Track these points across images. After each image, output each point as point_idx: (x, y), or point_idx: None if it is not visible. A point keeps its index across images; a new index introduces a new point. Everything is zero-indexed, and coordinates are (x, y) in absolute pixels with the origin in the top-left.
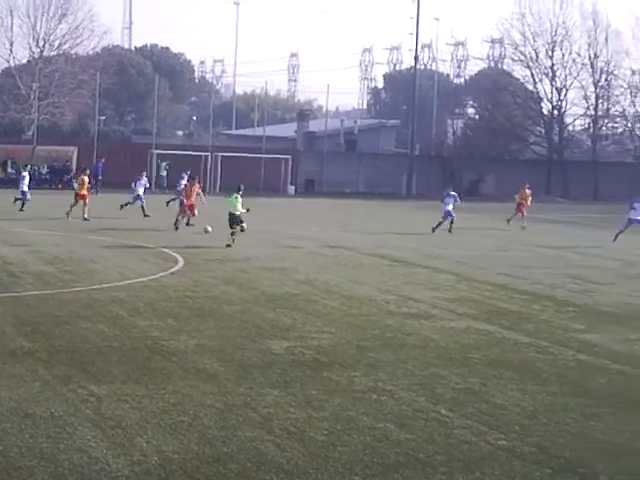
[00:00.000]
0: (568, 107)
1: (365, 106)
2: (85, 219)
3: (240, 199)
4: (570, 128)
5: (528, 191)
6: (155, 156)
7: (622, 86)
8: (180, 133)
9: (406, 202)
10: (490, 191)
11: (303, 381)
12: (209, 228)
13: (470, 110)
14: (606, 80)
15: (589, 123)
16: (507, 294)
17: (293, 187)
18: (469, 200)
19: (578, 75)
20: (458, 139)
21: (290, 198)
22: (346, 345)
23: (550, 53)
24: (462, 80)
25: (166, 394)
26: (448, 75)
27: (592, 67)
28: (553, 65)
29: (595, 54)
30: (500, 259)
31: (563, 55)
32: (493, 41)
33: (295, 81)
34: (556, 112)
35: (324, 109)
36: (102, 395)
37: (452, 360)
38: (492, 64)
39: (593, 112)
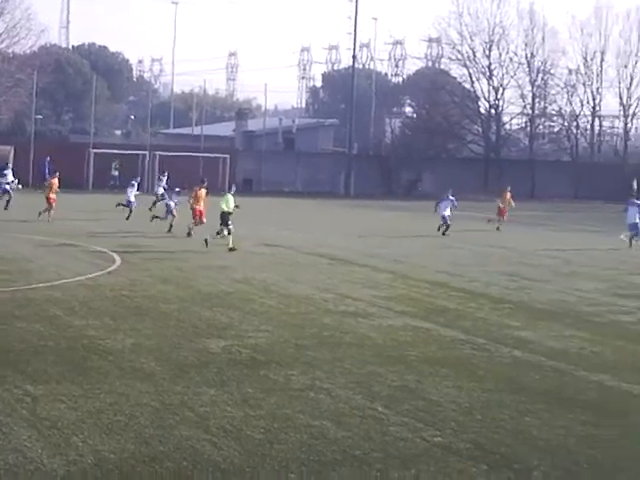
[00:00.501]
0: (505, 106)
1: (304, 105)
2: (48, 221)
3: (232, 198)
4: (507, 127)
5: (509, 194)
6: (93, 155)
7: (558, 85)
8: (118, 132)
9: (344, 201)
10: (428, 190)
11: (240, 380)
12: (225, 232)
13: (408, 109)
14: (543, 79)
15: (526, 122)
16: (445, 292)
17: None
18: (407, 199)
19: (515, 74)
20: (396, 138)
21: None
22: (283, 344)
23: (487, 52)
24: (400, 79)
25: (102, 394)
26: (386, 74)
27: (529, 66)
28: (490, 64)
29: (532, 53)
30: (438, 257)
31: (500, 54)
32: (431, 40)
33: (234, 80)
34: (493, 111)
35: (263, 108)
36: (38, 395)
37: (389, 358)
38: (430, 63)
39: (530, 111)
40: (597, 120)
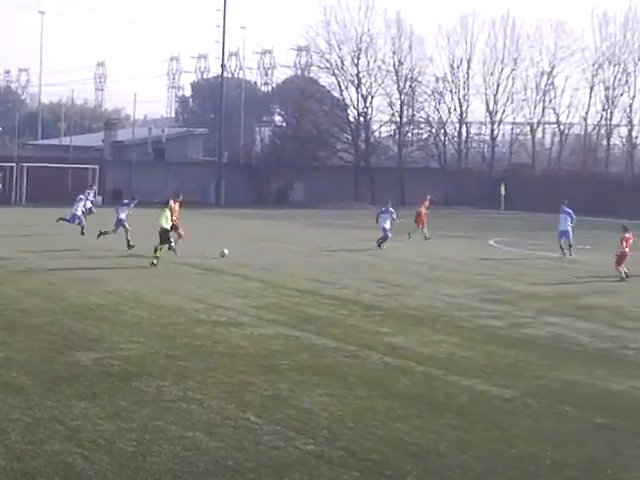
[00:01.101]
0: (374, 114)
1: (173, 115)
2: None
3: (168, 213)
4: (376, 134)
5: (427, 202)
6: None
7: (426, 92)
8: None
9: (215, 210)
10: (299, 198)
11: (112, 392)
12: (226, 251)
13: (278, 118)
14: (410, 87)
15: (394, 129)
16: (315, 300)
17: (100, 197)
18: (278, 208)
19: (383, 82)
20: (266, 147)
21: (97, 208)
22: (155, 355)
23: (356, 61)
24: (269, 88)
25: None
26: (256, 83)
27: (397, 74)
28: (359, 72)
29: (399, 61)
30: (308, 266)
31: (368, 62)
32: (299, 49)
33: (102, 90)
34: (362, 119)
35: (132, 118)
36: None
37: (261, 367)
38: (299, 72)
39: (398, 118)
40: (464, 127)
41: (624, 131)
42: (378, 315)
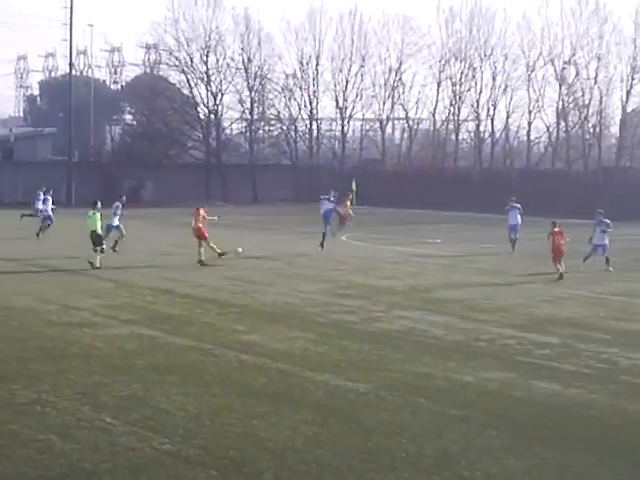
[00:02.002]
0: (225, 111)
1: (22, 114)
2: None
3: (99, 215)
4: (227, 132)
5: (349, 202)
6: None
7: (276, 89)
8: None
9: (66, 210)
10: (150, 197)
11: None
12: (239, 250)
13: (128, 116)
14: (260, 84)
15: (245, 126)
16: (169, 298)
17: None
18: (130, 206)
19: (233, 79)
20: (117, 145)
21: None
22: (6, 357)
23: (205, 58)
24: (119, 86)
25: None
26: (105, 81)
27: (246, 71)
28: (208, 70)
29: (249, 58)
30: (162, 264)
31: (217, 60)
32: (148, 47)
33: None
34: (213, 116)
35: None
36: None
37: (116, 367)
38: (148, 70)
39: (249, 116)
40: (315, 123)
41: (472, 126)
42: (233, 313)
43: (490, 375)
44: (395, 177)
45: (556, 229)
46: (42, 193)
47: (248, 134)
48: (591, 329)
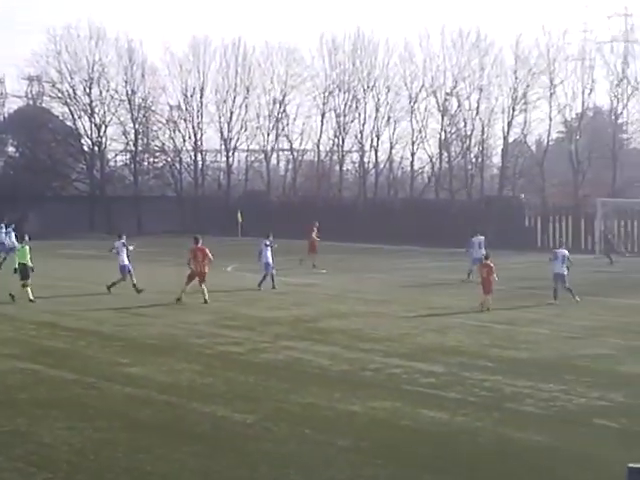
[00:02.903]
0: (109, 143)
1: None
2: None
3: (27, 248)
4: (112, 164)
5: (315, 230)
6: None
7: (160, 121)
8: None
9: None
10: (34, 230)
11: None
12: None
13: (11, 149)
14: (144, 116)
15: (130, 158)
16: (52, 332)
17: None
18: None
19: (117, 111)
20: (0, 178)
21: None
22: None
23: (88, 90)
24: (1, 118)
25: None
26: None
27: (130, 103)
28: (92, 102)
29: (132, 90)
30: (46, 297)
31: (101, 92)
32: (30, 78)
33: None
34: (97, 148)
35: None
36: None
37: None
38: (31, 102)
39: (133, 147)
40: (200, 155)
41: (356, 156)
42: (118, 345)
43: (377, 404)
44: (280, 208)
45: (486, 261)
46: (4, 226)
47: (132, 166)
48: (475, 357)
